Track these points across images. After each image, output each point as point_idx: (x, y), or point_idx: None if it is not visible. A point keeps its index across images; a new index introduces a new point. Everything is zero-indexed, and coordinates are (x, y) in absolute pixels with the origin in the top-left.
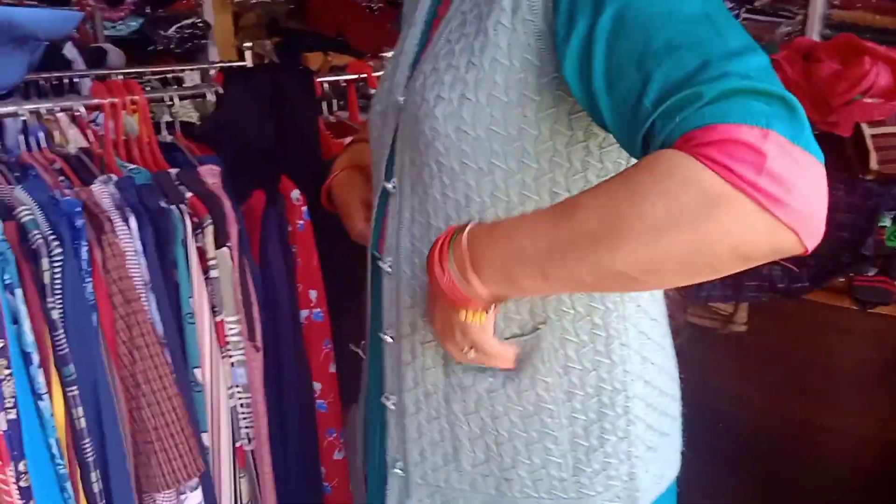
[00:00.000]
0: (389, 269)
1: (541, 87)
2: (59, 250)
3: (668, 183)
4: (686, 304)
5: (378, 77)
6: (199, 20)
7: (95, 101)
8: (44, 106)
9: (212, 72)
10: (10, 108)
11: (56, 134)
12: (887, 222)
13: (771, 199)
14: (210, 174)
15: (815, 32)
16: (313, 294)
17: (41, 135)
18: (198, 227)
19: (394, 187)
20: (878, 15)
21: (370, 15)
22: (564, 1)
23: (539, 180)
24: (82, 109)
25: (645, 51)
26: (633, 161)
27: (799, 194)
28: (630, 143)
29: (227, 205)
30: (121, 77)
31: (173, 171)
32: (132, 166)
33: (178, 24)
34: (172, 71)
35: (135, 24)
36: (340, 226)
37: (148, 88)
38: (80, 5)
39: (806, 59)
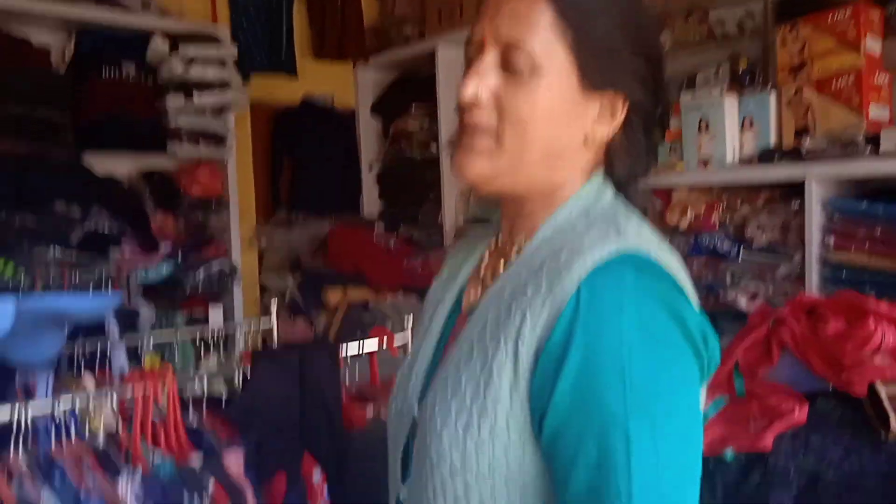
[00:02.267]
0: None
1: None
2: None
3: None
4: None
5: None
6: (227, 264)
7: (128, 390)
8: (78, 402)
9: (238, 350)
10: (47, 409)
11: (87, 418)
12: None
13: None
14: (234, 461)
15: (814, 273)
16: None
17: (72, 427)
18: None
19: (405, 498)
20: (874, 257)
21: (386, 252)
22: (538, 372)
23: None
24: (115, 400)
25: (566, 472)
26: None
27: None
28: None
29: (249, 495)
30: (152, 349)
31: (197, 459)
32: (158, 455)
33: (207, 269)
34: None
35: (166, 270)
36: None
37: (178, 365)
38: (117, 264)
39: (810, 315)
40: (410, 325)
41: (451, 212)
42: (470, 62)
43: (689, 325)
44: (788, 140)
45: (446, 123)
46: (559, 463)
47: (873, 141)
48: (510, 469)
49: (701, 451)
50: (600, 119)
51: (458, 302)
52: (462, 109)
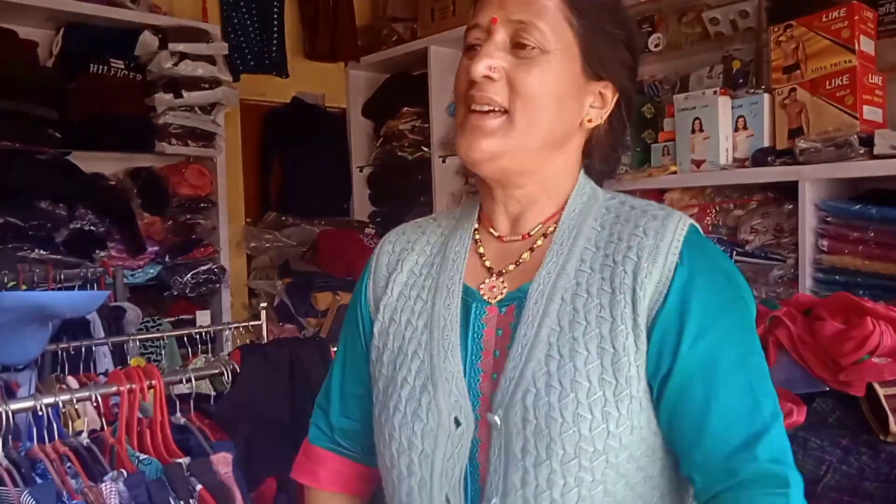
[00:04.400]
0: None
1: None
2: None
3: None
4: None
5: None
6: (215, 266)
7: (113, 389)
8: (62, 399)
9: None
10: (28, 403)
11: (70, 420)
12: None
13: None
14: (222, 463)
15: (807, 276)
16: None
17: (54, 425)
18: None
19: None
20: (867, 260)
21: None
22: (654, 342)
23: (666, 481)
24: (99, 399)
25: (702, 415)
26: None
27: None
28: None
29: (238, 497)
30: (138, 343)
31: (185, 461)
32: (143, 457)
33: (195, 271)
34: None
35: (153, 271)
36: None
37: (165, 367)
38: (104, 262)
39: (807, 315)
40: None
41: None
42: (475, 46)
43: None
44: (782, 141)
45: (438, 124)
46: (691, 411)
47: (867, 142)
48: (642, 434)
49: None
50: (595, 104)
51: (465, 301)
52: (470, 88)
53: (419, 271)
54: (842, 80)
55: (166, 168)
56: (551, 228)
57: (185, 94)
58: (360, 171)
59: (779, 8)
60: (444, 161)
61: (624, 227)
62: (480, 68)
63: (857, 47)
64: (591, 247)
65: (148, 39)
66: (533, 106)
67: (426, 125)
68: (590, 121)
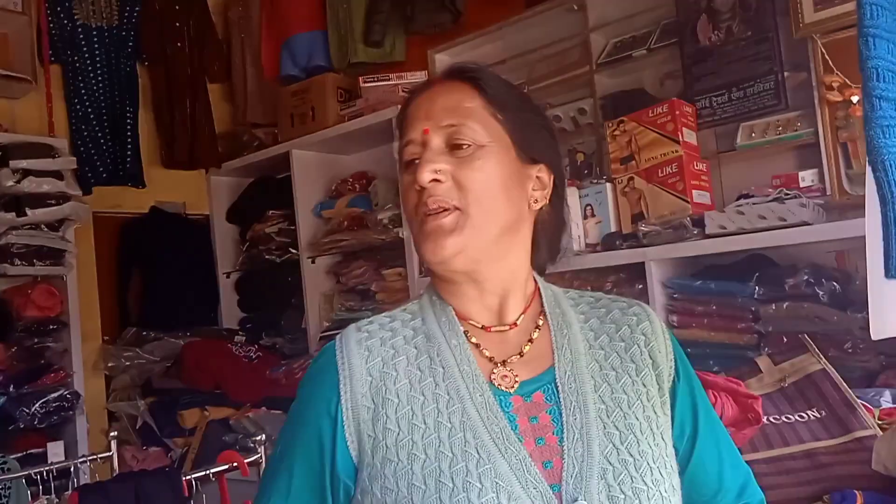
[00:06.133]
0: None
1: None
2: None
3: None
4: None
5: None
6: (68, 392)
7: None
8: None
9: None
10: None
11: None
12: None
13: None
14: None
15: None
16: None
17: None
18: None
19: None
20: (713, 332)
21: (248, 364)
22: (679, 411)
23: None
24: None
25: (720, 468)
26: None
27: None
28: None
29: None
30: None
31: None
32: None
33: (44, 399)
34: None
35: None
36: None
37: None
38: None
39: None
40: (264, 444)
41: (314, 316)
42: (414, 160)
43: None
44: (626, 225)
45: (305, 225)
46: (711, 466)
47: (699, 223)
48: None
49: None
50: (536, 187)
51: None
52: (420, 197)
53: (417, 370)
54: (671, 168)
55: (10, 290)
56: (540, 320)
57: (29, 211)
58: (227, 276)
59: (612, 105)
60: (313, 262)
61: (608, 312)
62: (426, 174)
63: (681, 138)
64: (587, 330)
65: None
66: (483, 197)
67: (292, 227)
68: (535, 201)
